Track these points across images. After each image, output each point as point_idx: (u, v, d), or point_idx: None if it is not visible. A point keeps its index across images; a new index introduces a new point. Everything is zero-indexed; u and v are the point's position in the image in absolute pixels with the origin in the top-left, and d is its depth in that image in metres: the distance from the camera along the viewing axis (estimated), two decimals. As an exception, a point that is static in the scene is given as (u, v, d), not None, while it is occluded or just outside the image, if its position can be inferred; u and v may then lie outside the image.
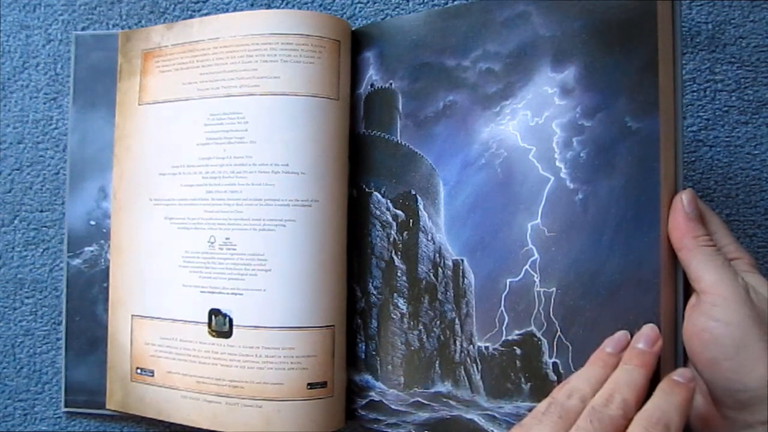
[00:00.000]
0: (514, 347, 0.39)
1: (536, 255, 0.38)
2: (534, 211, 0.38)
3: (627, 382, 0.32)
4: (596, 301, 0.36)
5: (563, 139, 0.37)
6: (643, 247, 0.34)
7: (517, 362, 0.38)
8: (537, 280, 0.38)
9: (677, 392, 0.31)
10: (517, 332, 0.38)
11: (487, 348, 0.40)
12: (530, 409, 0.37)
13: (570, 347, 0.37)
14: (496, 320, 0.39)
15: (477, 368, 0.40)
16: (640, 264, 0.35)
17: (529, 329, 0.38)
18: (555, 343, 0.37)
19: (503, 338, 0.39)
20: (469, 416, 0.40)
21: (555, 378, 0.37)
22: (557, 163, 0.37)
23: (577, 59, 0.37)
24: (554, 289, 0.37)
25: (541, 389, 0.37)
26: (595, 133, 0.36)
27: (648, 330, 0.34)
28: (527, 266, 0.38)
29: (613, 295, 0.35)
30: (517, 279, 0.38)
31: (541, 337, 0.38)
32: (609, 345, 0.35)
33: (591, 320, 0.36)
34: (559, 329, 0.37)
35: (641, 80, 0.35)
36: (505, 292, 0.39)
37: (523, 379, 0.38)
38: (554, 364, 0.37)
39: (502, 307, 0.39)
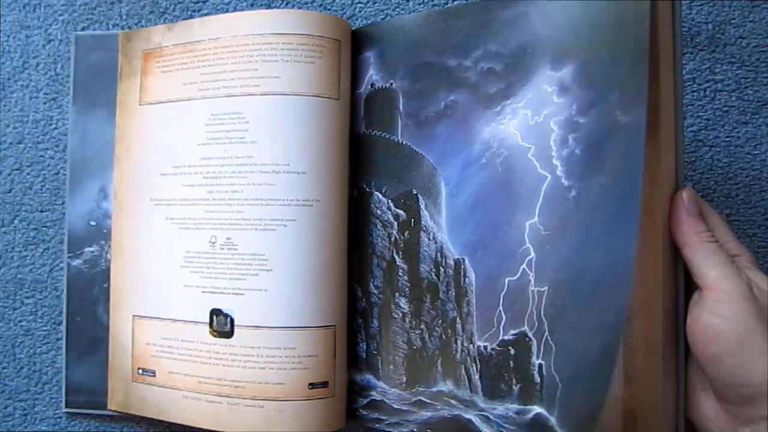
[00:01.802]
0: (509, 347, 0.38)
1: (533, 254, 0.38)
2: (532, 210, 0.38)
3: None
4: (579, 299, 0.36)
5: (560, 137, 0.37)
6: (622, 243, 0.34)
7: (511, 363, 0.38)
8: (532, 279, 0.37)
9: None
10: (512, 332, 0.38)
11: (485, 348, 0.39)
12: (518, 413, 0.37)
13: (554, 348, 0.36)
14: (495, 320, 0.39)
15: (476, 368, 0.40)
16: (617, 261, 0.34)
17: (522, 329, 0.38)
18: (542, 343, 0.37)
19: (500, 338, 0.39)
20: (467, 416, 0.40)
21: (539, 380, 0.37)
22: (554, 161, 0.37)
23: (575, 57, 0.37)
24: (546, 288, 0.37)
25: (528, 392, 0.37)
26: (588, 128, 0.36)
27: None
28: (524, 265, 0.38)
29: (594, 294, 0.35)
30: (515, 278, 0.38)
31: (532, 337, 0.37)
32: None
33: (573, 320, 0.36)
34: (547, 329, 0.37)
35: (631, 73, 0.35)
36: (504, 292, 0.39)
37: (514, 381, 0.38)
38: (540, 365, 0.37)
39: (501, 307, 0.39)
